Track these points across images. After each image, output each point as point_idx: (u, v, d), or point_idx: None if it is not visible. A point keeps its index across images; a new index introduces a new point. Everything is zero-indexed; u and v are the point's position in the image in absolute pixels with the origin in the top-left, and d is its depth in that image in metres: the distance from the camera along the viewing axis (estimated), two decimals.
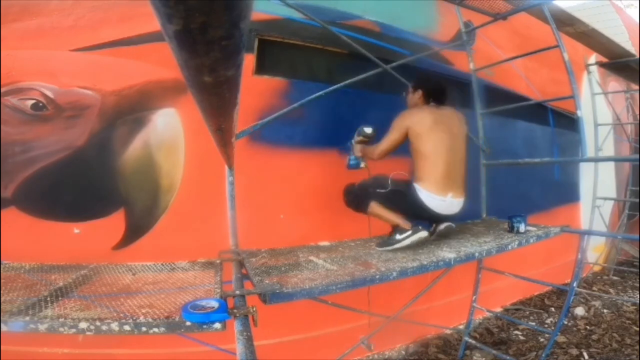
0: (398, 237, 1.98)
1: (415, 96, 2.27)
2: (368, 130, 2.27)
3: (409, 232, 1.96)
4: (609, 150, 5.29)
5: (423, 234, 1.96)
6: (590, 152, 4.50)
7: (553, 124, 4.53)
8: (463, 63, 3.17)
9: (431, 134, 2.08)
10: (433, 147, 2.07)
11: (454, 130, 2.18)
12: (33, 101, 2.17)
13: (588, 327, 3.51)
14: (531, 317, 3.83)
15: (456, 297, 3.28)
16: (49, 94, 2.18)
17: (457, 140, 2.19)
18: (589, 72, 5.02)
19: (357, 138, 2.32)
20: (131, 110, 2.33)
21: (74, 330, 1.07)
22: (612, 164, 5.56)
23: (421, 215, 2.13)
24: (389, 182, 2.12)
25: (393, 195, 2.09)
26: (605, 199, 5.01)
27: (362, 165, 2.34)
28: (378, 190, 2.11)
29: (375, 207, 2.11)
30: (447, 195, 2.06)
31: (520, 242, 2.16)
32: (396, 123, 2.15)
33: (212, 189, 2.39)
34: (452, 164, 2.10)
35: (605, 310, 3.91)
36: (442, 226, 2.15)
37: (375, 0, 3.09)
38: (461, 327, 3.20)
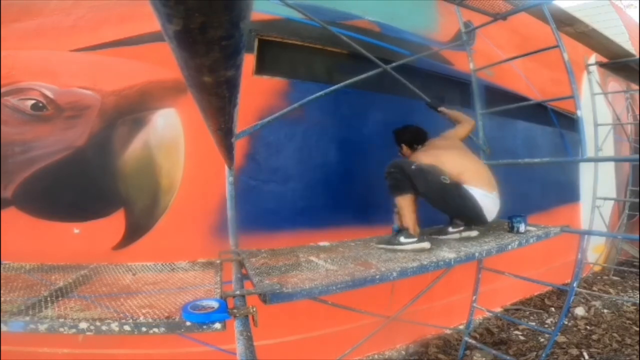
0: (403, 240, 1.97)
1: (405, 151, 2.44)
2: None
3: (415, 240, 1.96)
4: (609, 150, 5.29)
5: (426, 245, 1.96)
6: (590, 152, 4.50)
7: (558, 124, 4.53)
8: (463, 63, 3.17)
9: (443, 152, 2.22)
10: (453, 156, 2.21)
11: (453, 142, 2.40)
12: (33, 101, 2.17)
13: (588, 327, 3.51)
14: (531, 317, 3.83)
15: (456, 297, 3.28)
16: (49, 94, 2.19)
17: (464, 150, 2.36)
18: (589, 72, 5.02)
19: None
20: (131, 111, 2.33)
21: (74, 330, 1.06)
22: (612, 164, 5.56)
23: (472, 216, 2.13)
24: (446, 174, 2.06)
25: (452, 189, 2.05)
26: (605, 199, 5.01)
27: None
28: (436, 179, 2.03)
29: (408, 199, 2.05)
30: (493, 193, 2.15)
31: (520, 242, 2.15)
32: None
33: (212, 189, 2.39)
34: (480, 167, 2.25)
35: (605, 310, 3.91)
36: (474, 234, 2.23)
37: (375, 0, 3.09)
38: (461, 327, 3.19)
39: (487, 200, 2.10)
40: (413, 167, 2.06)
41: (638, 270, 4.95)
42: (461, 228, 2.19)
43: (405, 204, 2.06)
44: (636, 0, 6.82)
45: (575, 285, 2.62)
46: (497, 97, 3.51)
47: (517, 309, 3.98)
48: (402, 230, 2.03)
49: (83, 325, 1.06)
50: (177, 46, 0.37)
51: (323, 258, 1.82)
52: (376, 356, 3.03)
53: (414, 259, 1.78)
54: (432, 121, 3.11)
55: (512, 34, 3.86)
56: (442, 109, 2.69)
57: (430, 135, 2.45)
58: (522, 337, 3.33)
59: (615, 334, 3.33)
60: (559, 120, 4.55)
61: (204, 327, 1.07)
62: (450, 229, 2.21)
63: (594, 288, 4.61)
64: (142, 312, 1.14)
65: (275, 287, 1.33)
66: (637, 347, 3.07)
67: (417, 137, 2.41)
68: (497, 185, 2.22)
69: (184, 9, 0.30)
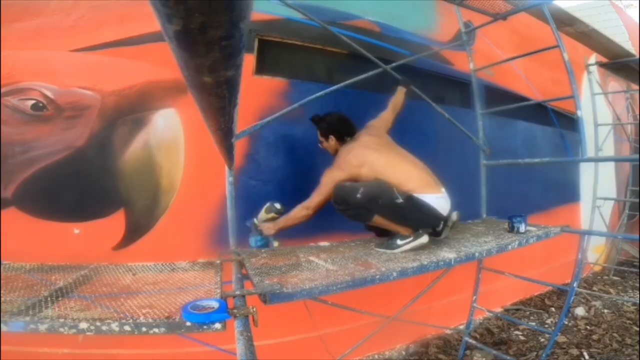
0: (399, 242, 1.94)
1: (331, 144, 2.21)
2: (278, 205, 2.11)
3: (411, 238, 1.94)
4: (609, 150, 5.29)
5: (424, 239, 1.94)
6: (590, 152, 4.50)
7: (558, 124, 4.54)
8: (463, 63, 3.17)
9: (377, 156, 2.03)
10: (390, 161, 2.04)
11: (385, 139, 2.21)
12: (33, 101, 2.17)
13: (588, 327, 3.51)
14: (531, 317, 3.83)
15: (456, 297, 3.28)
16: (49, 94, 2.19)
17: (394, 147, 2.18)
18: (589, 72, 5.02)
19: (265, 215, 2.10)
20: (131, 111, 2.33)
21: (74, 330, 1.06)
22: (612, 164, 5.56)
23: (434, 223, 2.05)
24: (396, 191, 1.91)
25: (406, 206, 1.90)
26: (605, 199, 5.01)
27: (275, 244, 2.08)
28: (389, 202, 1.90)
29: (379, 218, 1.94)
30: (442, 192, 2.05)
31: (520, 242, 2.15)
32: (330, 177, 2.01)
33: (212, 189, 2.39)
34: (414, 164, 2.09)
35: (605, 310, 3.91)
36: (454, 217, 2.10)
37: (375, 0, 3.09)
38: (461, 327, 3.19)
39: (439, 201, 2.00)
40: (358, 195, 1.87)
41: (638, 270, 4.95)
42: (410, 238, 1.94)
43: (381, 223, 1.97)
44: (636, 0, 6.82)
45: (575, 285, 2.62)
46: (497, 97, 3.51)
47: (517, 309, 3.98)
48: (395, 234, 2.00)
49: (83, 325, 1.06)
50: (177, 46, 0.37)
51: (323, 258, 1.82)
52: (376, 356, 3.03)
53: (414, 259, 1.78)
54: (432, 121, 3.12)
55: (512, 34, 3.86)
56: (403, 88, 2.49)
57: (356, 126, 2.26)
58: (522, 337, 3.33)
59: (615, 334, 3.33)
60: (559, 120, 4.56)
61: (204, 327, 1.07)
62: (399, 242, 1.95)
63: (594, 288, 4.61)
64: (142, 312, 1.14)
65: (275, 287, 1.33)
66: (638, 347, 3.07)
67: (348, 129, 2.19)
68: (438, 179, 2.09)
69: (184, 9, 0.30)
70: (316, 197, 2.02)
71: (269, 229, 2.05)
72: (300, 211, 2.02)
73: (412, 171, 2.04)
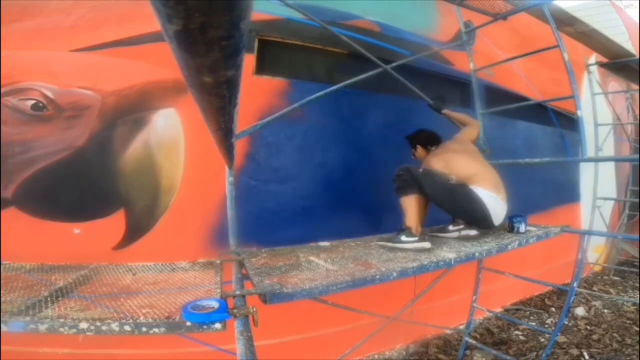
0: (404, 238, 1.98)
1: (420, 153, 2.53)
2: None
3: (415, 239, 1.98)
4: (609, 150, 5.29)
5: (426, 245, 1.97)
6: (590, 152, 4.49)
7: (557, 124, 4.54)
8: (463, 63, 3.17)
9: (453, 156, 2.30)
10: (463, 160, 2.27)
11: (467, 147, 2.46)
12: (33, 101, 2.17)
13: (588, 327, 3.51)
14: (531, 317, 3.83)
15: (456, 297, 3.28)
16: (49, 94, 2.19)
17: (476, 153, 2.45)
18: (589, 72, 5.02)
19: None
20: (131, 111, 2.33)
21: (74, 330, 1.06)
22: (612, 164, 5.56)
23: (480, 218, 2.14)
24: (451, 175, 2.15)
25: (458, 188, 2.11)
26: (605, 199, 5.01)
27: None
28: (443, 179, 2.13)
29: (412, 198, 2.09)
30: (499, 195, 2.17)
31: (520, 242, 2.15)
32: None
33: (212, 189, 2.39)
34: (489, 171, 2.29)
35: (605, 310, 3.91)
36: (473, 232, 2.23)
37: (375, 0, 3.09)
38: (461, 327, 3.19)
39: (493, 201, 2.12)
40: (421, 169, 2.15)
41: (638, 270, 4.95)
42: (461, 226, 2.22)
43: (409, 204, 2.10)
44: (636, 0, 6.82)
45: (575, 285, 2.62)
46: (497, 97, 3.51)
47: (517, 309, 3.98)
48: (404, 229, 2.03)
49: (83, 325, 1.06)
50: (177, 46, 0.37)
51: (323, 258, 1.82)
52: (376, 356, 3.03)
53: (414, 259, 1.78)
54: (432, 121, 3.12)
55: (512, 34, 3.86)
56: (445, 111, 2.74)
57: (443, 139, 2.52)
58: (522, 337, 3.33)
59: (615, 334, 3.33)
60: (559, 120, 4.56)
61: (204, 327, 1.07)
62: (451, 227, 2.24)
63: (594, 288, 4.61)
64: (142, 312, 1.14)
65: (275, 287, 1.33)
66: (638, 347, 3.07)
67: (432, 139, 2.50)
68: (505, 190, 2.24)
69: (184, 9, 0.30)
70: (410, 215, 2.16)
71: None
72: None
73: (478, 170, 2.23)
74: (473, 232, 2.21)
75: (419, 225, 2.06)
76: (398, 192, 2.14)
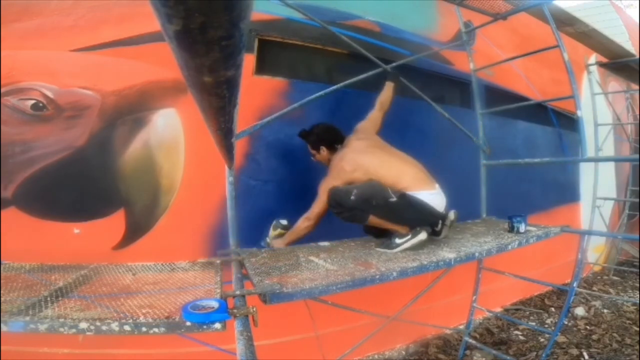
0: (398, 241, 1.95)
1: (323, 155, 2.24)
2: (283, 221, 2.21)
3: (409, 236, 1.94)
4: (609, 150, 5.29)
5: (423, 235, 1.94)
6: (590, 152, 4.50)
7: (557, 124, 4.54)
8: (463, 63, 3.17)
9: (369, 158, 2.06)
10: (382, 162, 2.06)
11: (375, 141, 2.22)
12: (33, 101, 2.17)
13: (588, 327, 3.51)
14: (531, 317, 3.83)
15: (456, 297, 3.28)
16: (49, 94, 2.19)
17: (384, 146, 2.20)
18: (589, 72, 5.02)
19: (273, 233, 2.21)
20: (131, 111, 2.33)
21: (74, 330, 1.06)
22: (612, 164, 5.56)
23: (431, 220, 2.05)
24: (389, 190, 1.95)
25: (401, 204, 1.93)
26: (605, 199, 5.01)
27: None
28: (382, 202, 1.92)
29: (373, 217, 1.96)
30: (436, 188, 2.07)
31: (520, 242, 2.15)
32: (326, 186, 2.03)
33: (212, 189, 2.39)
34: (406, 161, 2.12)
35: (605, 310, 3.91)
36: (452, 216, 2.13)
37: (375, 0, 3.09)
38: (461, 327, 3.19)
39: (434, 197, 2.01)
40: (352, 197, 1.89)
41: (638, 270, 4.95)
42: (409, 236, 1.94)
43: (376, 222, 1.98)
44: (636, 0, 6.82)
45: (575, 285, 2.62)
46: (497, 97, 3.51)
47: (517, 309, 3.98)
48: (392, 233, 2.01)
49: (83, 325, 1.06)
50: (177, 46, 0.37)
51: (323, 258, 1.82)
52: (376, 356, 3.03)
53: (414, 259, 1.78)
54: (432, 121, 3.12)
55: (512, 34, 3.86)
56: (392, 82, 2.48)
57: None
58: (522, 337, 3.33)
59: (615, 334, 3.33)
60: (559, 120, 4.56)
61: (204, 327, 1.07)
62: (398, 240, 1.95)
63: (594, 288, 4.61)
64: (142, 312, 1.14)
65: (275, 287, 1.33)
66: (637, 347, 3.07)
67: (337, 136, 2.23)
68: (432, 175, 2.10)
69: (184, 9, 0.30)
70: (315, 208, 2.07)
71: (279, 244, 2.13)
72: (303, 222, 2.09)
73: (404, 169, 2.06)
74: (424, 236, 1.97)
75: (399, 225, 1.98)
76: (353, 222, 2.00)
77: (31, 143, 2.17)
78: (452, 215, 2.14)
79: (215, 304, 1.12)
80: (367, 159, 2.07)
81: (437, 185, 2.09)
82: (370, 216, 1.95)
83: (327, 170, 2.16)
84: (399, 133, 2.67)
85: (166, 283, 1.49)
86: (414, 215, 1.98)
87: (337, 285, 1.44)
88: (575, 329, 3.50)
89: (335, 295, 1.51)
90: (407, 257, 1.81)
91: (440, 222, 2.10)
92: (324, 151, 2.23)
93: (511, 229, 2.32)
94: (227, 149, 1.27)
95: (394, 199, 1.93)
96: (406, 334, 3.17)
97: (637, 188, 5.52)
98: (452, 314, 3.35)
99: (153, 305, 1.21)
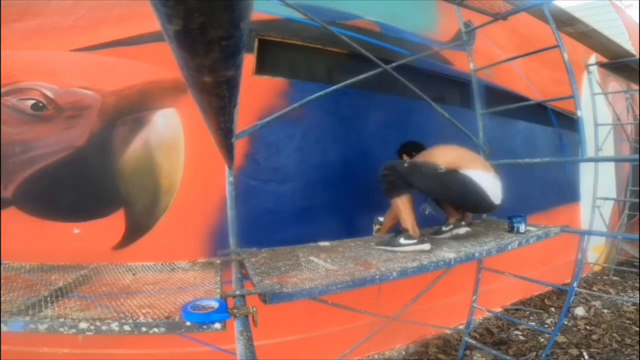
0: (402, 241, 1.94)
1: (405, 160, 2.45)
2: (381, 218, 2.63)
3: (414, 241, 1.94)
4: (609, 150, 5.29)
5: (426, 247, 1.93)
6: (590, 152, 4.50)
7: (557, 124, 4.54)
8: (463, 63, 3.17)
9: (436, 148, 2.26)
10: (445, 149, 2.23)
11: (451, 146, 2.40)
12: (33, 101, 2.17)
13: (588, 327, 3.51)
14: (531, 317, 3.83)
15: (456, 297, 3.28)
16: (49, 94, 2.19)
17: (458, 146, 2.36)
18: (589, 72, 5.02)
19: (376, 227, 2.67)
20: (131, 111, 2.33)
21: (74, 330, 1.07)
22: (612, 164, 5.56)
23: (473, 200, 2.08)
24: (441, 164, 2.06)
25: (448, 177, 2.02)
26: (605, 199, 5.01)
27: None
28: (432, 171, 2.03)
29: (405, 199, 2.02)
30: (490, 174, 2.13)
31: (520, 242, 2.15)
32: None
33: (212, 189, 2.39)
34: (472, 153, 2.28)
35: (605, 310, 3.91)
36: (462, 231, 2.21)
37: (375, 0, 3.09)
38: (461, 327, 3.19)
39: (485, 179, 2.06)
40: (406, 164, 2.09)
41: (638, 270, 4.95)
42: (451, 226, 2.20)
43: (402, 206, 2.03)
44: (636, 0, 6.82)
45: (575, 285, 2.62)
46: (497, 97, 3.51)
47: (517, 309, 3.98)
48: (401, 232, 2.00)
49: (83, 325, 1.06)
50: (177, 46, 0.37)
51: (323, 258, 1.82)
52: (376, 356, 3.03)
53: (414, 259, 1.78)
54: (432, 121, 3.12)
55: (512, 34, 3.86)
56: None
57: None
58: (522, 337, 3.33)
59: (615, 334, 3.33)
60: (559, 120, 4.56)
61: (204, 327, 1.07)
62: (443, 228, 2.23)
63: (594, 288, 4.61)
64: (142, 312, 1.14)
65: (275, 287, 1.33)
66: (637, 347, 3.07)
67: (415, 147, 2.46)
68: (494, 168, 2.23)
69: (184, 9, 0.30)
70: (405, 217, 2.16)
71: (381, 233, 2.51)
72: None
73: (461, 153, 2.19)
74: (462, 230, 2.20)
75: (415, 226, 1.99)
76: (388, 194, 2.07)
77: (31, 143, 2.17)
78: (462, 230, 2.22)
79: (215, 304, 1.12)
80: (430, 151, 2.27)
81: (494, 173, 2.17)
82: (421, 185, 2.06)
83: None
84: (399, 133, 2.67)
85: (166, 283, 1.49)
86: (463, 192, 2.05)
87: (337, 285, 1.44)
88: (575, 329, 3.50)
89: (335, 295, 1.51)
90: (407, 257, 1.81)
91: (486, 207, 2.16)
92: (405, 159, 2.46)
93: (511, 229, 2.32)
94: (227, 149, 1.27)
95: (442, 170, 2.04)
96: (406, 334, 3.17)
97: (637, 188, 5.52)
98: (452, 314, 3.35)
99: (153, 305, 1.21)
